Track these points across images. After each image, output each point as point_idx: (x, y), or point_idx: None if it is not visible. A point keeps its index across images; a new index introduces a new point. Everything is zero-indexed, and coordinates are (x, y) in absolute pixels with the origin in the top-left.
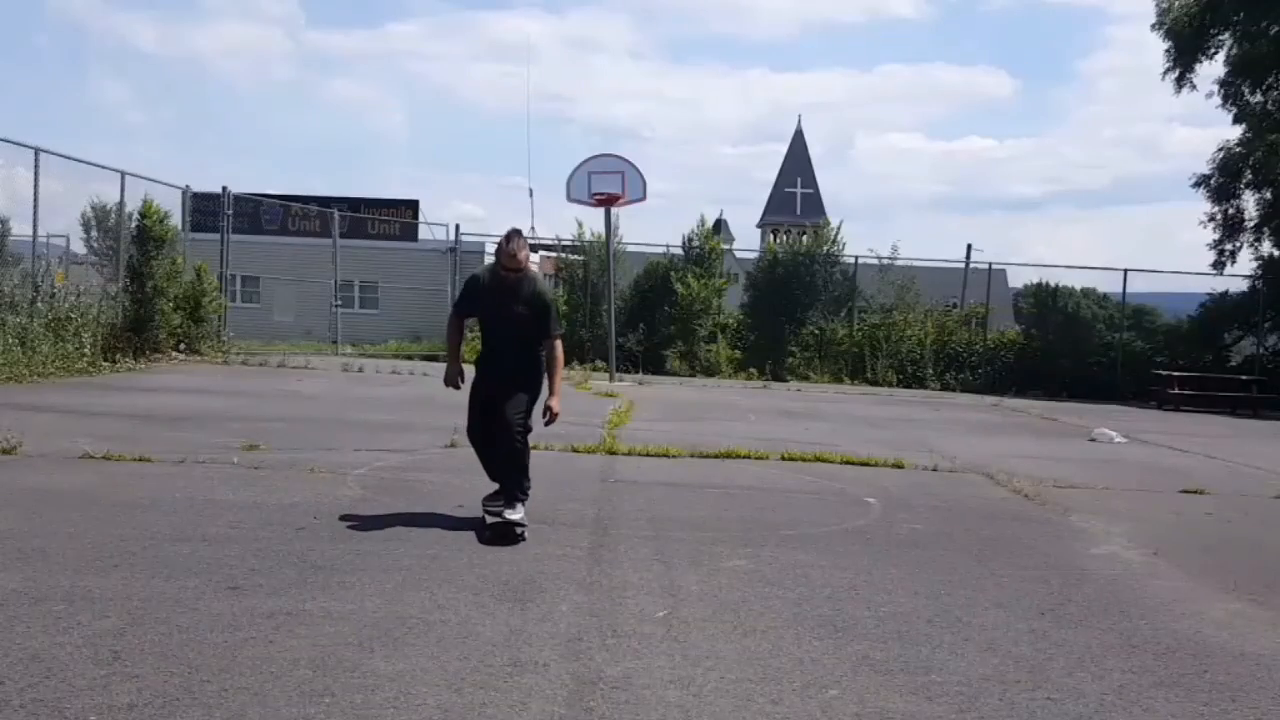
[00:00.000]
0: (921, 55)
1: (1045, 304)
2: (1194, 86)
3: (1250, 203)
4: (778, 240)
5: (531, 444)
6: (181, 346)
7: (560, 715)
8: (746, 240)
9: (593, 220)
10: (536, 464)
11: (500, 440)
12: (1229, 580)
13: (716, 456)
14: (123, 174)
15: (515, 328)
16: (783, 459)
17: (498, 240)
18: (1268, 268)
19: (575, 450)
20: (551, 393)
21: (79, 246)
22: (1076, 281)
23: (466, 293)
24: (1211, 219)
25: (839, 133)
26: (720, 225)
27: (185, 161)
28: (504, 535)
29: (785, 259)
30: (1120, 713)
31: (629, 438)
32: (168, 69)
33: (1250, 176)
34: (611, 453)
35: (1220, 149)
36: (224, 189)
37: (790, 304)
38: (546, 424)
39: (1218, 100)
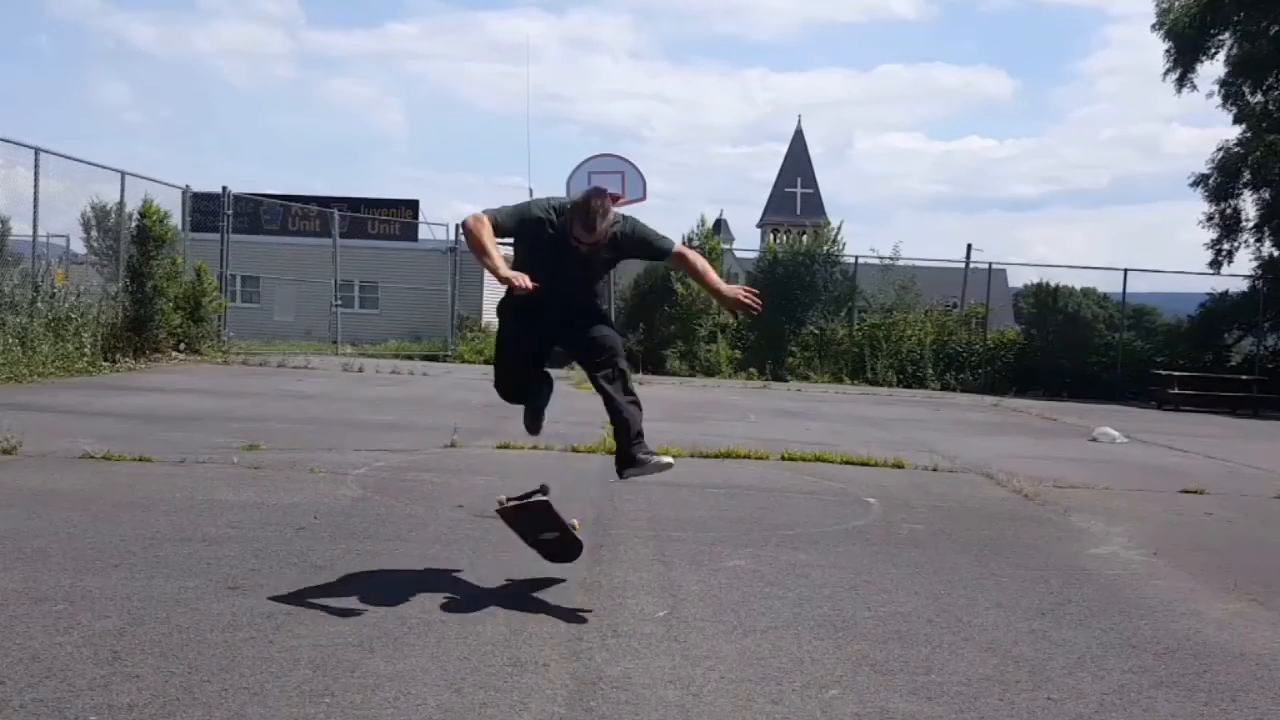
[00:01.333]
0: (921, 55)
1: (1045, 304)
2: (1194, 87)
3: (1249, 203)
4: (778, 240)
5: (534, 443)
6: (181, 346)
7: (560, 715)
8: (746, 240)
9: None
10: (535, 465)
11: (601, 368)
12: (1229, 580)
13: (716, 456)
14: (123, 174)
15: (577, 287)
16: (783, 459)
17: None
18: (1267, 268)
19: (575, 450)
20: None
21: (79, 246)
22: (1076, 281)
23: (518, 223)
24: (1210, 219)
25: (839, 133)
26: (720, 225)
27: (185, 161)
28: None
29: (785, 259)
30: (1120, 713)
31: None
32: (168, 69)
33: (1249, 176)
34: (612, 453)
35: (1219, 149)
36: (224, 189)
37: (790, 304)
38: (740, 305)
39: (1218, 100)
